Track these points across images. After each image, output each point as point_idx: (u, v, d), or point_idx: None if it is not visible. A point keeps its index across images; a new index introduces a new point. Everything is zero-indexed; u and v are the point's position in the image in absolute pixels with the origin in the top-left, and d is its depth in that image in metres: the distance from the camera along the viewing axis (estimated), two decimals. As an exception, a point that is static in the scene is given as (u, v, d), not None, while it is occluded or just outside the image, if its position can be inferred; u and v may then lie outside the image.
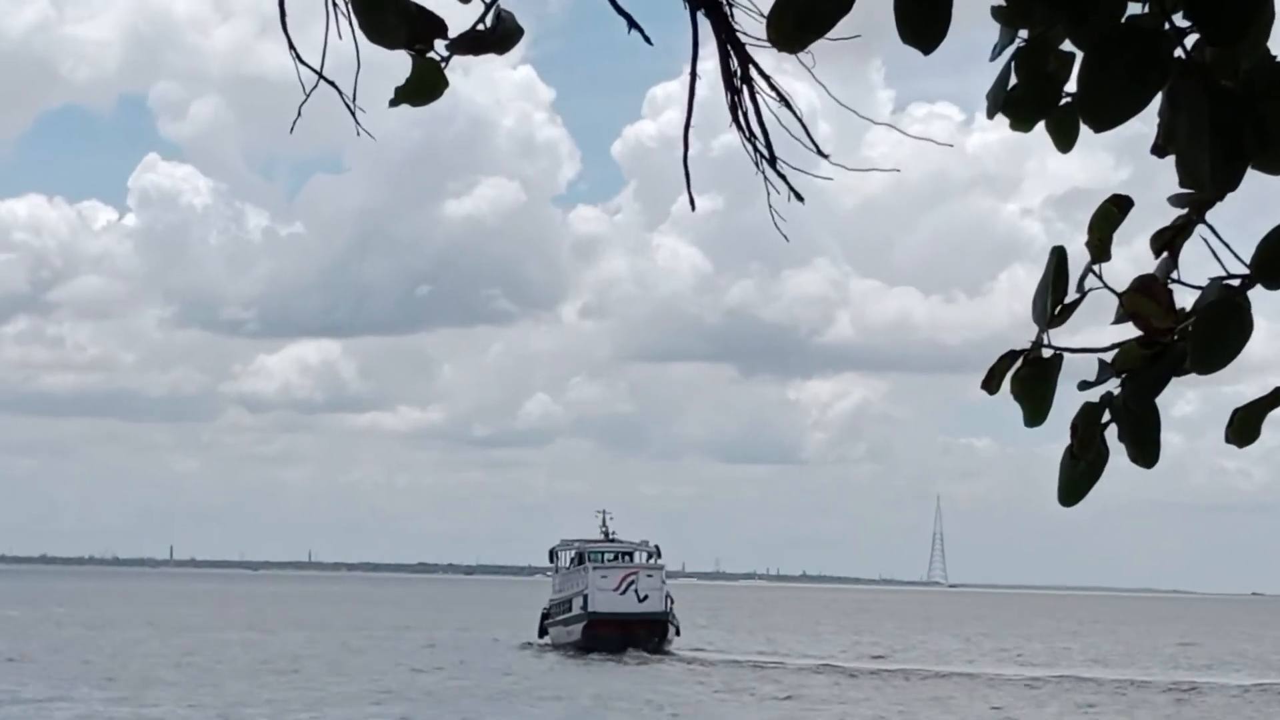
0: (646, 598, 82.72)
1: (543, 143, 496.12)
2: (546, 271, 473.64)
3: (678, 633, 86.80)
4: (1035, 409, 3.80)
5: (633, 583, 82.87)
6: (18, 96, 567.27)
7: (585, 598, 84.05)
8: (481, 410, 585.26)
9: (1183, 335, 3.68)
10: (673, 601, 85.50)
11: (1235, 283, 3.67)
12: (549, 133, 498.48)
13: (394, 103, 4.40)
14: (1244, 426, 3.73)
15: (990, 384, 3.80)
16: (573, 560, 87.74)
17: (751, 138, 4.70)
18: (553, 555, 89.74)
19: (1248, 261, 3.67)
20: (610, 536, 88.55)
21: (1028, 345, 3.78)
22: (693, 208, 4.94)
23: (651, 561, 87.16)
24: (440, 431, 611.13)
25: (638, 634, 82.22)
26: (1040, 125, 3.88)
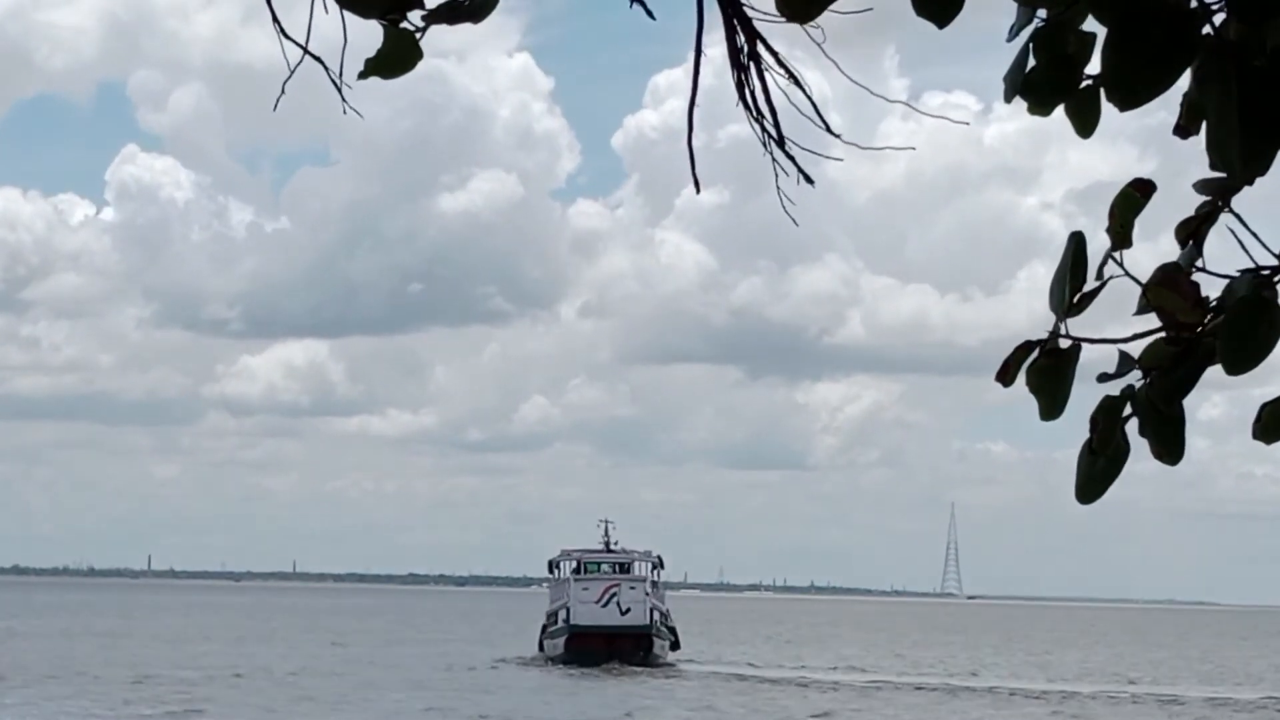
0: (629, 610, 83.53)
1: (541, 134, 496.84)
2: (544, 269, 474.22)
3: (676, 645, 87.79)
4: (1052, 402, 3.78)
5: (615, 595, 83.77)
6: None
7: (568, 610, 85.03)
8: (476, 414, 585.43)
9: (1210, 331, 3.66)
10: (661, 614, 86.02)
11: (1264, 274, 3.65)
12: (547, 124, 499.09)
13: (363, 75, 4.42)
14: (1273, 423, 3.71)
15: (1005, 376, 3.78)
16: (573, 571, 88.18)
17: (759, 117, 4.68)
18: (552, 566, 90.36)
19: (1277, 251, 3.66)
20: (611, 547, 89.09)
21: (1045, 335, 3.75)
22: (698, 190, 4.94)
23: (655, 573, 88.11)
24: (432, 436, 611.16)
25: (622, 647, 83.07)
26: (1059, 110, 3.87)
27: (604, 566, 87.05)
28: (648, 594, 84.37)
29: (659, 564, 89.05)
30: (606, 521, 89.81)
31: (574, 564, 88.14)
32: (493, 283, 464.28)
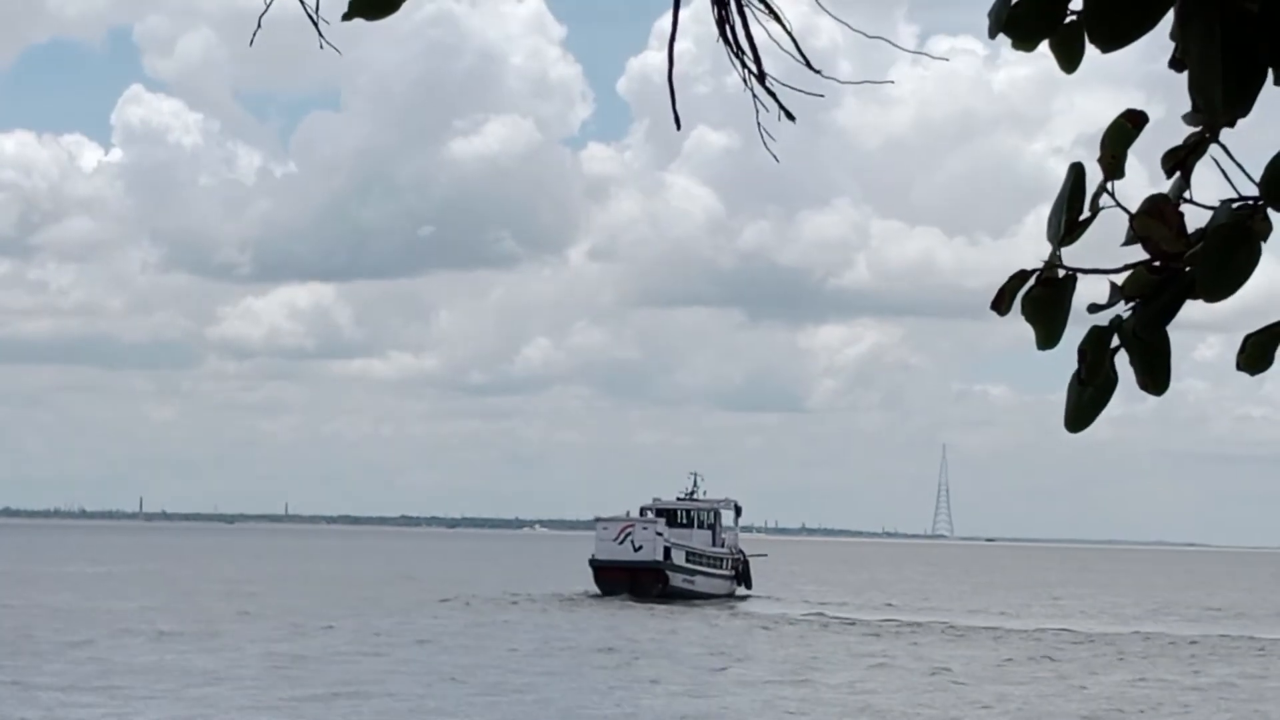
0: (641, 547, 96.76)
1: (554, 79, 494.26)
2: (556, 214, 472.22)
3: (748, 583, 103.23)
4: (1048, 331, 3.79)
5: (630, 535, 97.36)
6: (3, 30, 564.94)
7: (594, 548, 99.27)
8: (478, 357, 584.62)
9: (1192, 260, 3.67)
10: (684, 555, 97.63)
11: (1246, 204, 3.66)
12: (560, 69, 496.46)
13: (347, 16, 4.40)
14: (1256, 353, 3.75)
15: (1000, 304, 3.80)
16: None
17: (739, 53, 4.70)
18: (642, 513, 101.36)
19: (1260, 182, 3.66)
20: (694, 496, 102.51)
21: (1040, 265, 3.75)
22: (678, 126, 4.96)
23: (735, 519, 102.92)
24: (433, 379, 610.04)
25: (642, 580, 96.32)
26: (1045, 46, 3.84)
27: (680, 514, 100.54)
28: (659, 534, 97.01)
29: (737, 510, 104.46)
30: (695, 475, 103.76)
31: (655, 512, 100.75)
32: (502, 227, 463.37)
